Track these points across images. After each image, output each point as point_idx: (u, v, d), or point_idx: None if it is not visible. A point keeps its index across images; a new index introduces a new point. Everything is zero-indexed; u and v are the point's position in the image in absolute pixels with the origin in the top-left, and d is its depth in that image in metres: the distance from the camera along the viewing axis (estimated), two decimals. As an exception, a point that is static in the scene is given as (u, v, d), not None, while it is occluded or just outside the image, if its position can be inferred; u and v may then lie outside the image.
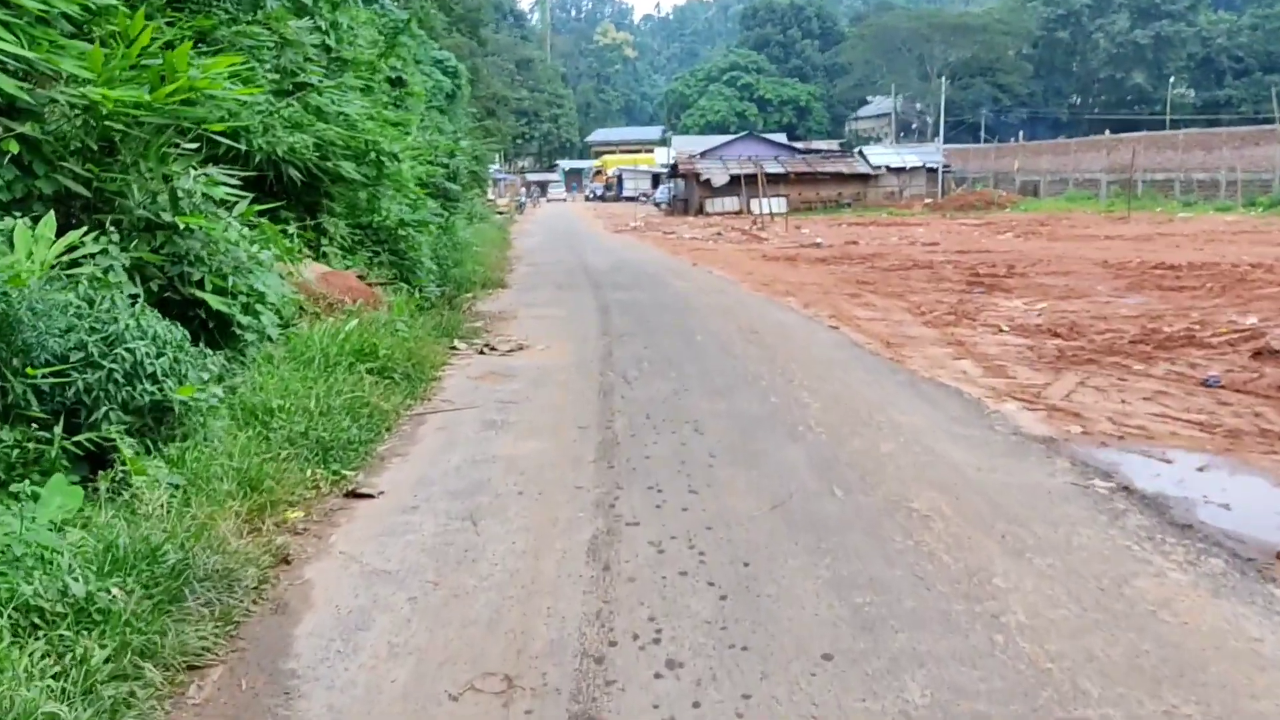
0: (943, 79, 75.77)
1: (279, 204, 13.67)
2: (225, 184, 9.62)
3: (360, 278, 14.08)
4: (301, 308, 10.40)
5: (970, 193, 53.03)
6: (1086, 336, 11.19)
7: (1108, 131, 58.00)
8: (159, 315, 7.12)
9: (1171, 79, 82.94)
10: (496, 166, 66.58)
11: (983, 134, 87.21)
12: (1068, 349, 10.36)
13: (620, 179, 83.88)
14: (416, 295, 15.66)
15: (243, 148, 11.96)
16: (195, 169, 9.13)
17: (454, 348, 10.31)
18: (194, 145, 9.24)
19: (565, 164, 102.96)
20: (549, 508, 5.21)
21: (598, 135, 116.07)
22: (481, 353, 10.12)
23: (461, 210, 28.30)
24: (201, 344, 8.09)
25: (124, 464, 5.08)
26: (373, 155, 14.54)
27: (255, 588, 4.09)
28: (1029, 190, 57.16)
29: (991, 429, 6.90)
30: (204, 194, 8.40)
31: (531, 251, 28.18)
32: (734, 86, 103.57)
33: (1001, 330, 11.77)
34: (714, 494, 5.35)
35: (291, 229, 11.18)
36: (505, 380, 8.74)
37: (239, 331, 7.97)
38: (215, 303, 7.85)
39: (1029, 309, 13.79)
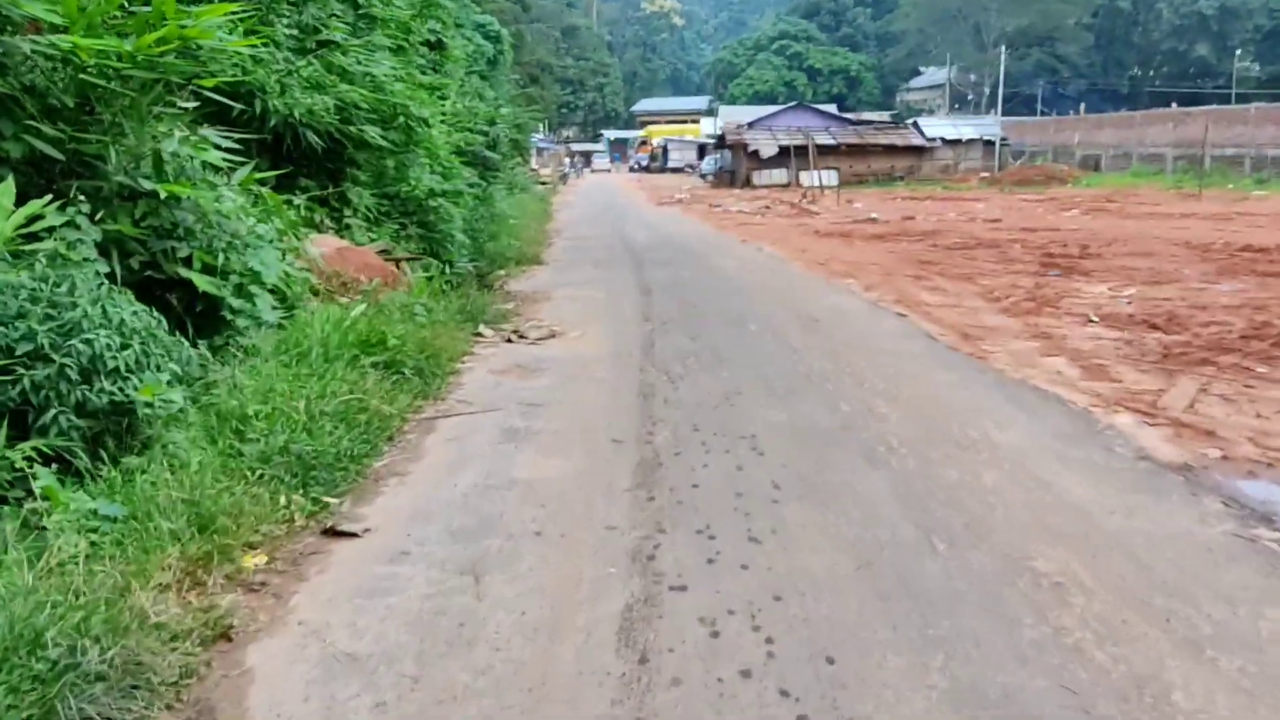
0: (1000, 48, 73.25)
1: (296, 171, 12.69)
2: (224, 147, 8.60)
3: (385, 252, 13.12)
4: (313, 289, 9.41)
5: (1029, 167, 51.07)
6: (1189, 330, 9.88)
7: (1174, 105, 55.57)
8: (132, 299, 6.13)
9: (1238, 51, 79.78)
10: (540, 136, 65.45)
11: (1039, 106, 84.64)
12: (1172, 345, 9.07)
13: (665, 150, 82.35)
14: (445, 271, 14.67)
15: (256, 110, 10.98)
16: (186, 129, 8.11)
17: (479, 334, 9.25)
18: (193, 105, 8.24)
19: (610, 134, 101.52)
20: (572, 558, 4.12)
21: (643, 105, 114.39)
22: (509, 340, 9.06)
23: (501, 180, 27.24)
24: (188, 333, 7.11)
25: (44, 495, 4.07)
26: (401, 120, 13.49)
27: (174, 684, 3.05)
28: (1090, 165, 54.97)
29: (1110, 451, 5.70)
30: (194, 159, 7.39)
31: (572, 225, 27.07)
32: (783, 55, 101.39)
33: (1091, 321, 10.49)
34: (781, 544, 4.23)
35: (299, 200, 10.15)
36: (533, 375, 7.66)
37: (230, 317, 6.96)
38: (203, 283, 6.85)
39: (1115, 295, 12.45)
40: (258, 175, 9.11)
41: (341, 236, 13.12)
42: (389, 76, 13.72)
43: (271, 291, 7.75)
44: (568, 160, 74.02)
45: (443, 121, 22.93)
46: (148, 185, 6.86)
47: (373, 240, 13.19)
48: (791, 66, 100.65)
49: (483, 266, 15.74)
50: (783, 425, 6.09)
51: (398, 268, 12.76)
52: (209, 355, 6.52)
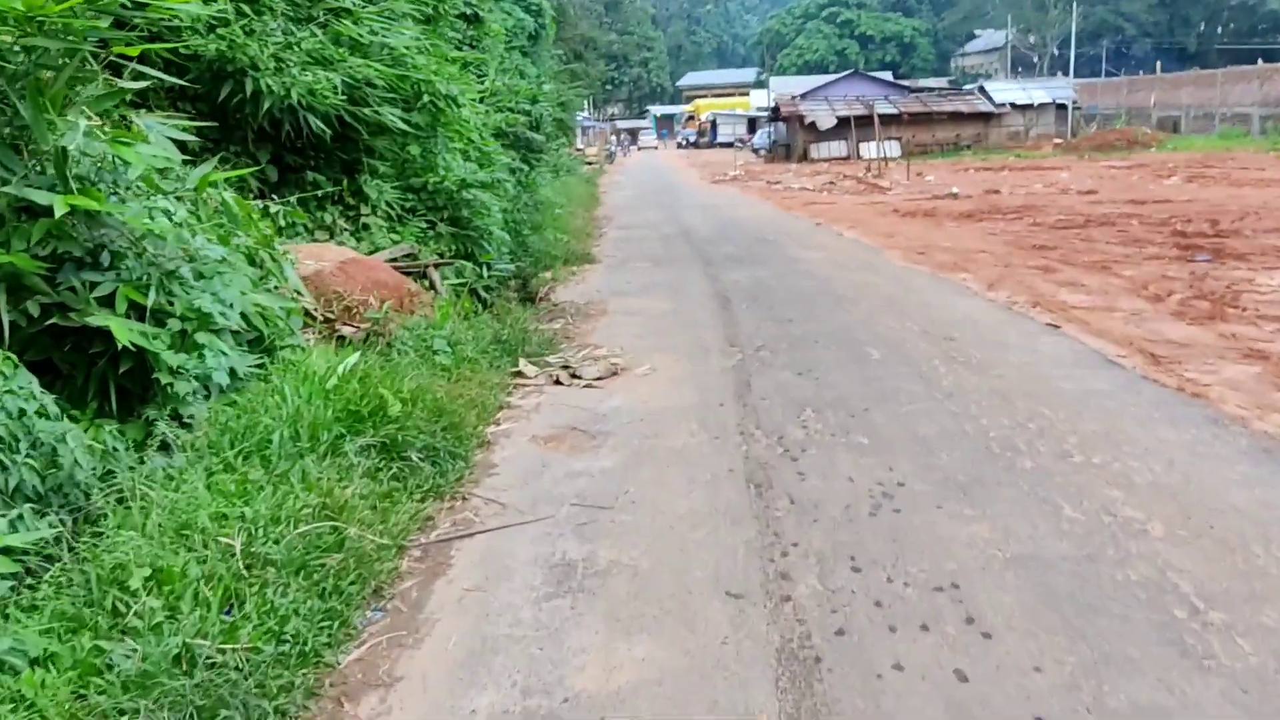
0: (1073, 4, 69.59)
1: (302, 163, 10.69)
2: (178, 136, 6.59)
3: (410, 256, 11.03)
4: (309, 317, 7.37)
5: (1108, 130, 47.85)
6: None
7: (1260, 61, 51.89)
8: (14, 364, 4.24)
9: (1322, 0, 75.35)
10: (585, 114, 63.20)
11: (1103, 67, 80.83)
12: None
13: (714, 124, 79.65)
14: (482, 273, 12.58)
15: (247, 91, 9.00)
16: (114, 117, 6.02)
17: (519, 373, 7.09)
18: (140, 84, 6.27)
19: (656, 110, 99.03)
20: None
21: (689, 79, 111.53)
22: (558, 381, 6.88)
23: (545, 163, 25.11)
24: (110, 406, 5.09)
25: None
26: (426, 99, 11.36)
27: None
28: (1168, 127, 51.57)
29: None
30: (113, 157, 5.31)
31: (622, 210, 24.83)
32: (833, 23, 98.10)
33: (1306, 328, 8.13)
34: None
35: (282, 203, 8.05)
36: (591, 446, 5.46)
37: (167, 380, 4.89)
38: (123, 334, 4.78)
39: (1305, 288, 10.04)
40: (226, 174, 7.05)
41: (359, 239, 11.09)
42: (411, 48, 11.59)
43: (238, 332, 5.68)
44: (613, 138, 71.70)
45: (481, 100, 20.88)
46: (47, 197, 4.85)
47: (395, 242, 11.14)
48: (842, 34, 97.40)
49: (525, 267, 13.59)
50: (994, 557, 3.84)
51: (424, 276, 10.70)
52: (120, 449, 4.46)
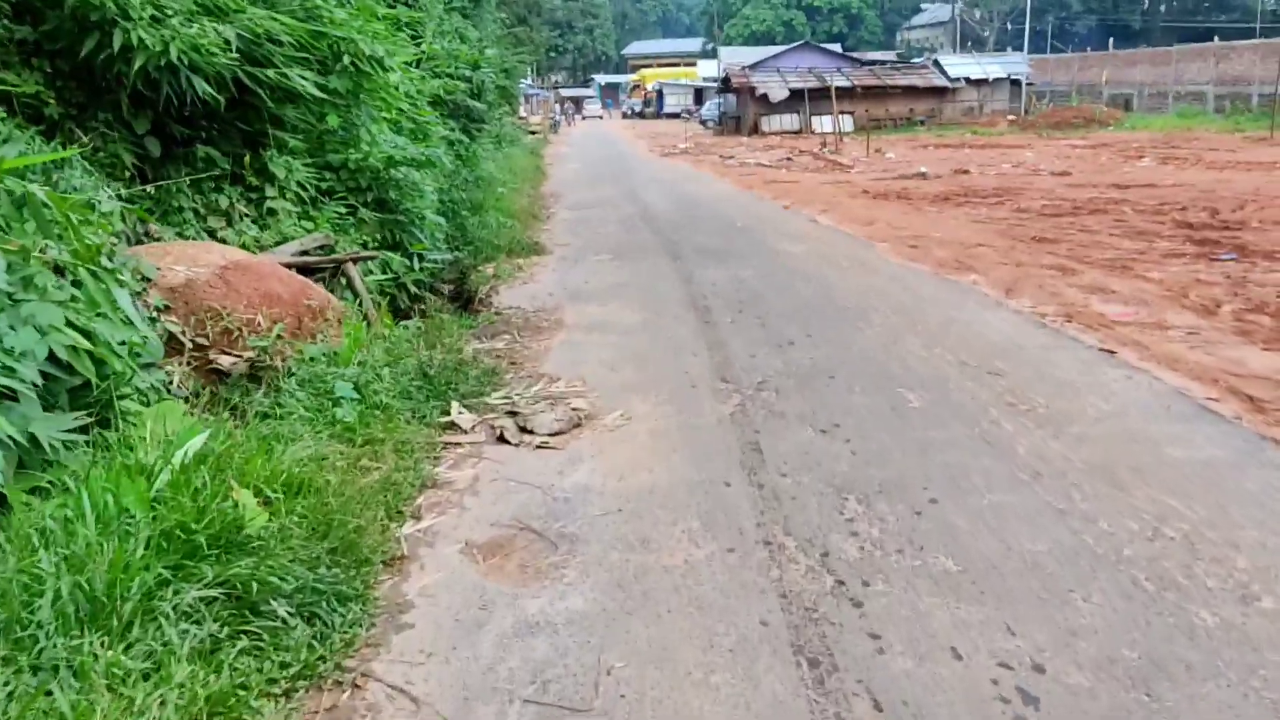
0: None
1: (192, 135, 8.85)
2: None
3: (324, 248, 9.23)
4: (174, 344, 5.65)
5: (1064, 108, 46.86)
6: None
7: (1216, 39, 51.19)
8: None
9: (1264, -19, 75.44)
10: (528, 81, 60.82)
11: (1049, 43, 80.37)
12: None
13: (660, 94, 77.64)
14: (414, 266, 10.79)
15: (115, 46, 7.16)
16: None
17: (451, 426, 5.34)
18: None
19: (601, 78, 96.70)
20: None
21: (634, 48, 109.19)
22: (502, 438, 5.17)
23: (487, 133, 23.17)
24: None
25: None
26: (347, 61, 9.49)
27: None
28: (1119, 104, 50.78)
29: None
30: None
31: (571, 185, 22.94)
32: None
33: None
34: None
35: (101, 197, 6.22)
36: (547, 572, 3.70)
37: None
38: None
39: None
40: (43, 157, 5.23)
41: (263, 227, 9.24)
42: (328, 0, 9.70)
43: (53, 379, 3.94)
44: (558, 107, 69.40)
45: (417, 65, 18.90)
46: None
47: (307, 231, 9.32)
48: (789, 5, 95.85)
49: (463, 258, 11.76)
50: None
51: (340, 273, 8.88)
52: None
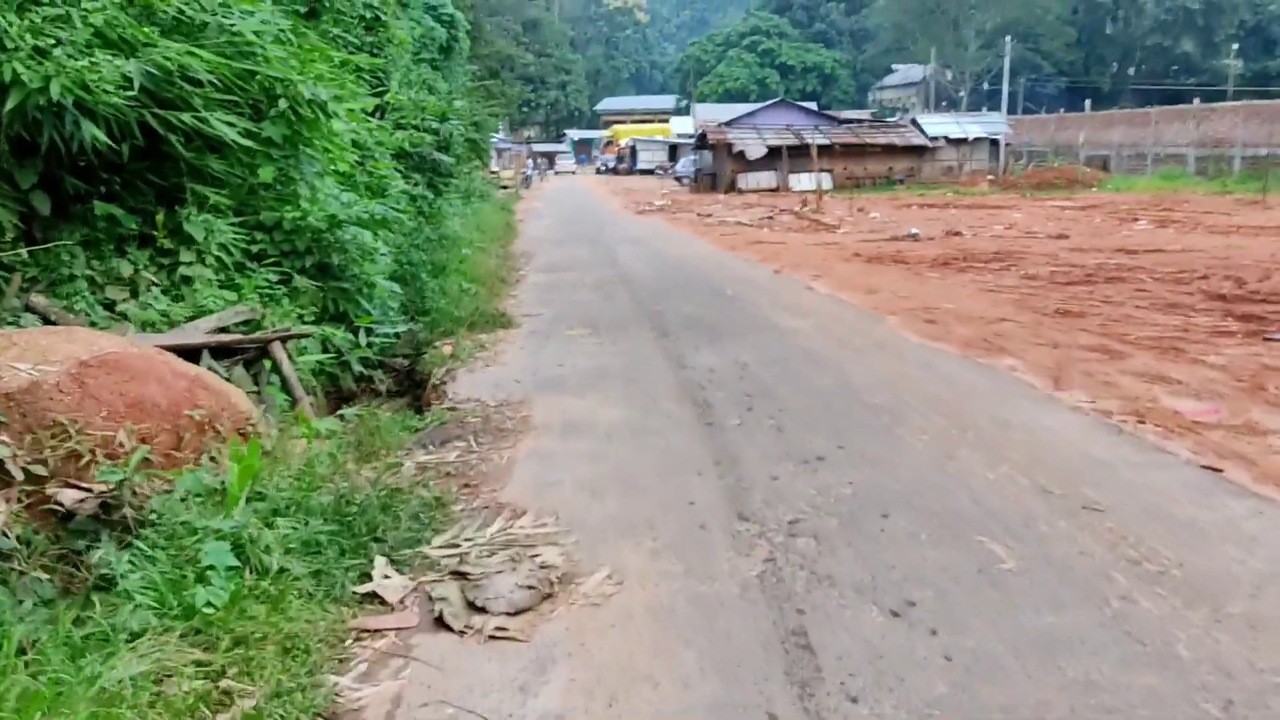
0: (1008, 39, 68.85)
1: (89, 191, 7.44)
2: None
3: (249, 323, 7.76)
4: (6, 470, 4.16)
5: (1046, 168, 46.23)
6: None
7: (1196, 101, 50.97)
8: None
9: (1236, 46, 76.19)
10: (501, 135, 59.87)
11: (1020, 104, 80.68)
12: None
13: (634, 150, 76.95)
14: (360, 342, 9.30)
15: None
16: None
17: (371, 594, 3.82)
18: None
19: (574, 134, 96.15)
20: None
21: (608, 104, 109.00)
22: (441, 620, 3.64)
23: (455, 188, 21.80)
24: None
25: None
26: (284, 105, 8.07)
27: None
28: (1095, 165, 50.22)
29: None
30: None
31: (544, 244, 21.55)
32: (754, 52, 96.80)
33: None
34: None
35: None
36: None
37: None
38: None
39: None
40: None
41: (175, 298, 7.75)
42: (263, 35, 8.30)
43: None
44: (530, 162, 68.41)
45: (379, 114, 17.55)
46: None
47: (230, 303, 7.83)
48: (763, 63, 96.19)
49: (419, 331, 10.27)
50: None
51: (264, 355, 7.37)
52: None
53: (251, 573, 3.65)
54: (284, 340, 7.44)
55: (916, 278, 15.06)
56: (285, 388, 7.33)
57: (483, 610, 3.71)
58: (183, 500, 4.13)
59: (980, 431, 6.10)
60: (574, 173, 77.12)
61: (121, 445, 4.41)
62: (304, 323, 8.37)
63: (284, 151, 8.58)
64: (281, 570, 3.70)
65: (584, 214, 32.92)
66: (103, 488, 4.18)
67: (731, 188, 44.87)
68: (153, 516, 3.92)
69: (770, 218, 29.36)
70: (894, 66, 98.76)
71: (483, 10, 56.79)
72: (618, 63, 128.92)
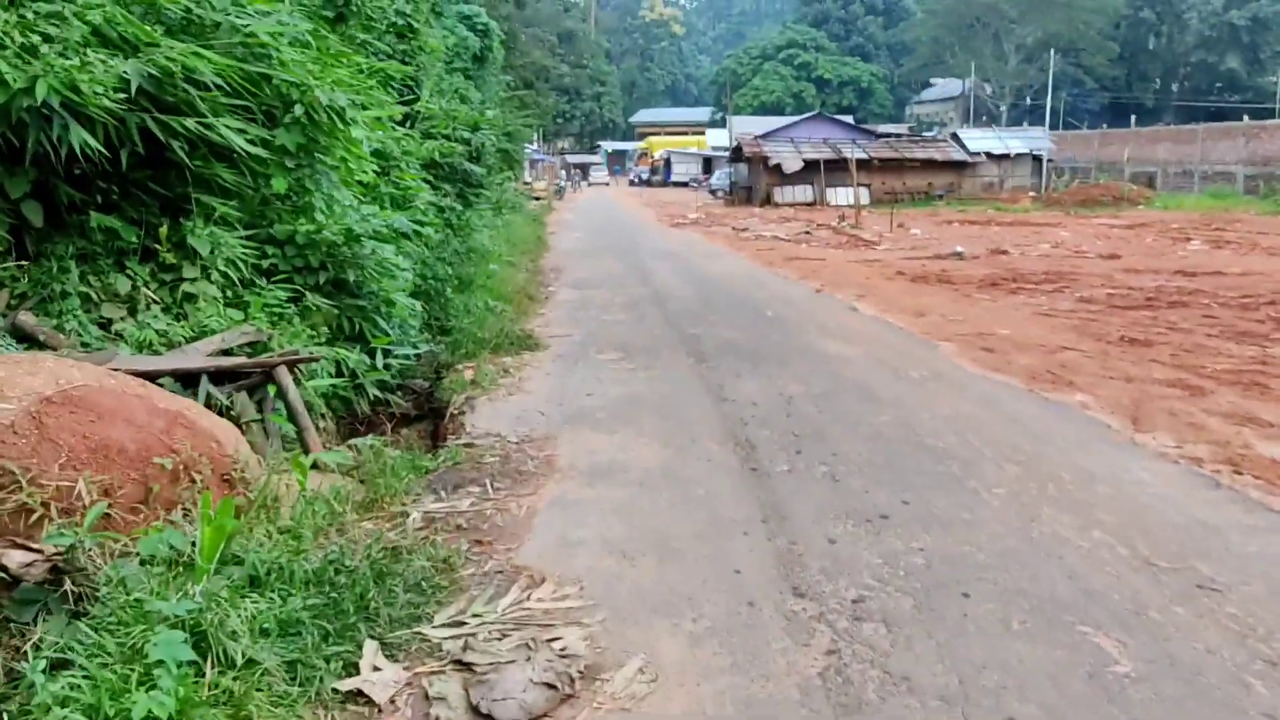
0: (1052, 52, 67.75)
1: (86, 201, 6.89)
2: None
3: (254, 345, 7.18)
4: None
5: (1091, 185, 45.15)
6: None
7: (1246, 118, 49.70)
8: None
9: (1286, 63, 74.53)
10: (534, 146, 59.56)
11: (1061, 119, 79.47)
12: None
13: (668, 162, 76.40)
14: (376, 366, 8.73)
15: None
16: None
17: (356, 692, 3.19)
18: None
19: (608, 145, 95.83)
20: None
21: (642, 116, 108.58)
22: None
23: (486, 199, 21.24)
24: None
25: None
26: (299, 111, 7.48)
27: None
28: (1140, 182, 48.99)
29: None
30: None
31: (575, 258, 20.97)
32: (791, 65, 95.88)
33: None
34: None
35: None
36: None
37: None
38: None
39: None
40: None
41: (177, 317, 7.22)
42: (277, 36, 7.74)
43: None
44: (563, 173, 68.06)
45: (411, 124, 17.04)
46: None
47: (236, 322, 7.27)
48: (800, 77, 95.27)
49: (440, 352, 9.66)
50: None
51: (268, 381, 6.80)
52: None
53: (213, 665, 3.02)
54: (291, 364, 6.86)
55: (965, 299, 14.31)
56: (291, 416, 6.74)
57: (489, 717, 3.06)
58: (144, 565, 3.52)
59: (1062, 485, 5.39)
60: (607, 184, 76.71)
61: (80, 497, 3.82)
62: (316, 343, 7.78)
63: (299, 161, 8.02)
64: (250, 662, 3.07)
65: (616, 227, 32.35)
66: (53, 555, 3.58)
67: (767, 201, 44.20)
68: (103, 591, 3.30)
69: (808, 233, 28.64)
70: (932, 80, 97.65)
71: (518, 21, 56.53)
72: (653, 75, 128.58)
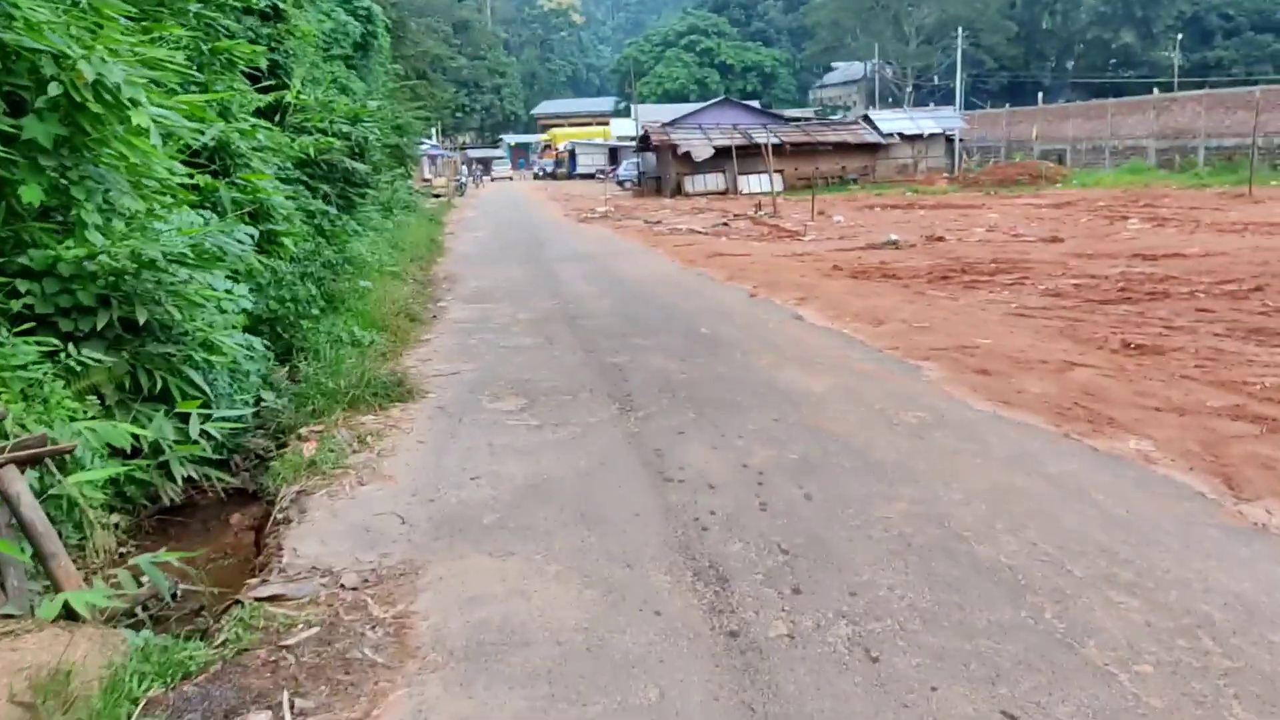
0: (960, 31, 67.14)
1: None
2: None
3: None
4: None
5: (1008, 164, 44.20)
6: None
7: (1157, 90, 49.35)
8: None
9: (1179, 36, 75.26)
10: (431, 142, 56.58)
11: (964, 99, 79.34)
12: None
13: (573, 154, 74.15)
14: (188, 438, 6.44)
15: None
16: None
17: None
18: None
19: (510, 138, 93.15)
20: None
21: (544, 107, 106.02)
22: None
23: (373, 199, 18.74)
24: None
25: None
26: (55, 92, 4.95)
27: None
28: (1051, 160, 48.33)
29: None
30: None
31: (473, 264, 18.62)
32: (693, 52, 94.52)
33: None
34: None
35: None
36: None
37: None
38: None
39: None
40: None
41: None
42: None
43: None
44: (464, 168, 65.22)
45: (280, 119, 14.58)
46: None
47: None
48: (702, 63, 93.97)
49: (283, 414, 7.30)
50: None
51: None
52: None
53: None
54: (26, 463, 4.55)
55: (920, 298, 12.43)
56: (30, 537, 4.42)
57: None
58: None
59: (1197, 618, 3.39)
60: (511, 178, 74.09)
61: None
62: (96, 411, 5.45)
63: (60, 160, 5.66)
64: None
65: (521, 224, 29.98)
66: None
67: (678, 191, 42.25)
68: None
69: (725, 224, 26.71)
70: (834, 64, 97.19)
71: (408, 9, 53.50)
72: (553, 65, 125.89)
